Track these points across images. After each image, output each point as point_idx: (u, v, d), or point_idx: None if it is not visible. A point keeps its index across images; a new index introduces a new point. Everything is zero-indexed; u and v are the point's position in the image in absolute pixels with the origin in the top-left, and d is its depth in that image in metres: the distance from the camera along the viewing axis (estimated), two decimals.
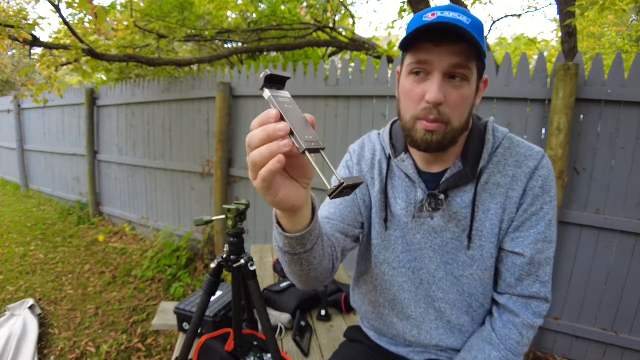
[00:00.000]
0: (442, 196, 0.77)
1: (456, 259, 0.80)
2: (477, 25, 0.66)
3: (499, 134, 0.78)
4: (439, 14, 0.65)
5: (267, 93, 0.44)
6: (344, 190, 0.43)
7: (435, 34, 0.64)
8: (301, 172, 0.49)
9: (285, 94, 0.45)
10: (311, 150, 0.42)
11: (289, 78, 0.46)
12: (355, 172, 0.88)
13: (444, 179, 0.77)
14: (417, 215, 0.80)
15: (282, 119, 0.43)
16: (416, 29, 0.63)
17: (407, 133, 0.73)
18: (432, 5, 2.74)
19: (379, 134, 0.91)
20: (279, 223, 0.60)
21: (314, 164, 0.44)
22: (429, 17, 0.66)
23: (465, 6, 3.56)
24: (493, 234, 0.76)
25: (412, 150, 0.81)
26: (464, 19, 0.65)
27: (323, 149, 0.43)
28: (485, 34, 0.71)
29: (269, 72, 0.44)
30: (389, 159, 0.84)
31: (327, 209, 0.84)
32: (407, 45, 0.68)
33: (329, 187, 0.43)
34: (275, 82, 0.45)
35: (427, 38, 0.65)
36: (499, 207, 0.75)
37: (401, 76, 0.74)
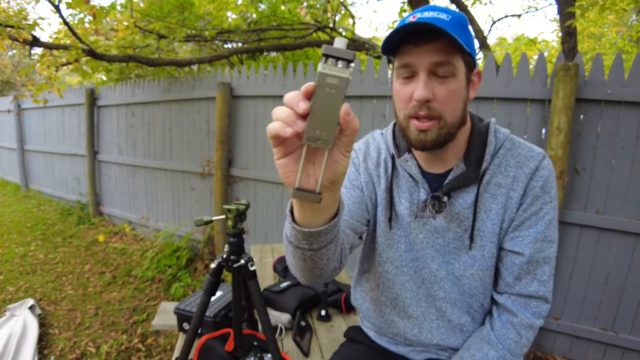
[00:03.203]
0: (445, 198, 0.77)
1: (457, 259, 0.80)
2: (458, 20, 0.67)
3: (500, 135, 0.79)
4: (419, 15, 0.67)
5: (319, 67, 0.40)
6: (303, 192, 0.45)
7: (413, 35, 0.65)
8: (317, 163, 0.47)
9: (342, 73, 0.40)
10: (311, 145, 0.41)
11: (351, 60, 0.40)
12: (361, 169, 0.88)
13: (447, 181, 0.77)
14: (419, 215, 0.81)
15: (310, 98, 0.41)
16: (392, 33, 0.65)
17: (403, 133, 0.74)
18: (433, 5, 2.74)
19: (382, 133, 0.91)
20: (292, 210, 0.56)
21: (303, 156, 0.43)
22: (410, 20, 0.67)
23: (465, 6, 3.56)
24: (494, 234, 0.77)
25: (415, 150, 0.81)
26: (443, 16, 0.66)
27: (329, 149, 0.42)
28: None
29: (325, 48, 0.40)
30: (393, 158, 0.85)
31: None
32: (390, 50, 0.70)
33: (296, 185, 0.44)
34: (337, 58, 0.40)
35: (407, 40, 0.67)
36: (500, 207, 0.76)
37: (393, 79, 0.75)
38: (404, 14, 4.54)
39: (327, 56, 0.40)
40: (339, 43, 0.40)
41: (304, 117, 0.41)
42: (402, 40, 0.67)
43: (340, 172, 0.46)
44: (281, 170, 0.46)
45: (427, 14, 0.66)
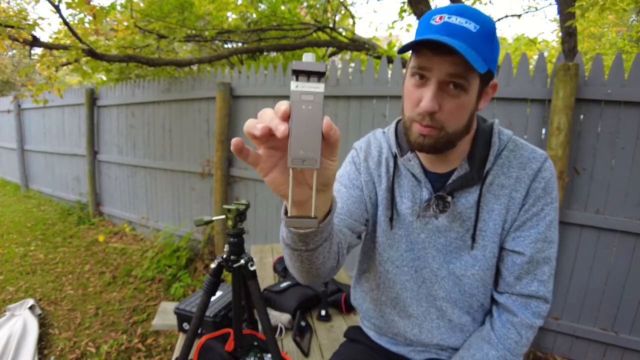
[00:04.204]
0: (449, 198, 0.77)
1: (459, 259, 0.81)
2: (486, 30, 0.64)
3: (504, 136, 0.79)
4: (446, 18, 0.64)
5: (292, 86, 0.39)
6: (297, 219, 0.45)
7: (436, 42, 0.63)
8: (308, 173, 0.47)
9: (315, 88, 0.39)
10: (297, 168, 0.40)
11: (323, 72, 0.38)
12: (362, 168, 0.87)
13: (450, 181, 0.77)
14: (421, 215, 0.81)
15: (289, 119, 0.39)
16: (417, 41, 0.63)
17: (405, 132, 0.74)
18: (432, 5, 2.74)
19: (384, 132, 0.91)
20: (286, 214, 0.57)
21: (291, 180, 0.42)
22: (436, 21, 0.65)
23: None
24: (496, 234, 0.77)
25: None
26: (471, 26, 0.63)
27: (316, 169, 0.40)
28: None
29: (295, 64, 0.38)
30: (395, 158, 0.84)
31: None
32: (407, 51, 0.68)
33: (288, 211, 0.44)
34: (308, 74, 0.39)
35: (428, 45, 0.64)
36: (503, 207, 0.76)
37: (406, 74, 0.74)
38: (404, 15, 4.53)
39: (297, 73, 0.38)
40: (308, 58, 0.39)
41: (284, 140, 0.39)
42: (423, 42, 0.64)
43: (330, 175, 0.46)
44: (271, 186, 0.46)
45: (455, 20, 0.63)
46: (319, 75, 0.39)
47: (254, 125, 0.40)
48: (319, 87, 0.39)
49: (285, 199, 0.49)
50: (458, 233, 0.79)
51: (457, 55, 0.61)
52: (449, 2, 2.98)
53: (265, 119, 0.40)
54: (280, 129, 0.38)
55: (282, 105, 0.39)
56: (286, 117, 0.39)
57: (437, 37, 0.61)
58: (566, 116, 1.85)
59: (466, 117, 0.70)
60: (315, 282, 0.73)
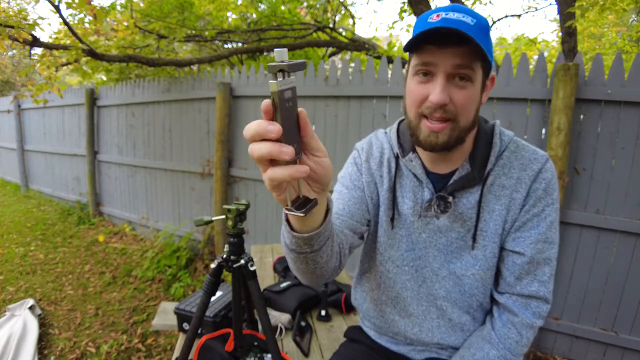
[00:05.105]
0: (450, 198, 0.78)
1: (460, 259, 0.81)
2: (482, 25, 0.66)
3: (505, 137, 0.80)
4: (443, 15, 0.66)
5: (274, 86, 0.38)
6: (305, 207, 0.45)
7: (438, 37, 0.64)
8: (312, 175, 0.48)
9: (291, 83, 0.39)
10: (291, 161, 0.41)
11: (305, 66, 0.40)
12: (363, 169, 0.88)
13: (451, 181, 0.78)
14: (423, 215, 0.81)
15: (275, 118, 0.39)
16: (420, 32, 0.64)
17: (412, 132, 0.74)
18: (432, 5, 2.74)
19: (386, 133, 0.91)
20: (288, 220, 0.59)
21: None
22: (433, 19, 0.66)
23: (466, 7, 3.55)
24: (496, 234, 0.77)
25: (419, 150, 0.81)
26: (468, 19, 0.65)
27: (299, 157, 0.43)
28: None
29: (289, 66, 0.38)
30: (397, 158, 0.84)
31: (336, 204, 0.84)
32: (412, 47, 0.69)
33: (289, 201, 0.46)
34: (289, 70, 0.39)
35: (431, 41, 0.65)
36: (503, 208, 0.76)
37: (407, 76, 0.75)
38: (404, 15, 4.53)
39: (282, 72, 0.38)
40: (283, 54, 0.38)
41: (274, 139, 0.39)
42: (425, 40, 0.66)
43: (325, 173, 0.48)
44: (274, 193, 0.47)
45: (453, 15, 0.65)
46: (290, 72, 0.39)
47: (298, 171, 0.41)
48: (293, 82, 0.40)
49: (284, 204, 0.49)
50: (459, 233, 0.79)
51: (461, 46, 0.64)
52: (449, 2, 2.98)
53: (252, 126, 0.40)
54: (273, 130, 0.38)
55: (266, 105, 0.39)
56: (271, 116, 0.39)
57: (444, 25, 0.62)
58: (566, 116, 1.85)
59: (474, 110, 0.71)
60: (319, 282, 0.73)
